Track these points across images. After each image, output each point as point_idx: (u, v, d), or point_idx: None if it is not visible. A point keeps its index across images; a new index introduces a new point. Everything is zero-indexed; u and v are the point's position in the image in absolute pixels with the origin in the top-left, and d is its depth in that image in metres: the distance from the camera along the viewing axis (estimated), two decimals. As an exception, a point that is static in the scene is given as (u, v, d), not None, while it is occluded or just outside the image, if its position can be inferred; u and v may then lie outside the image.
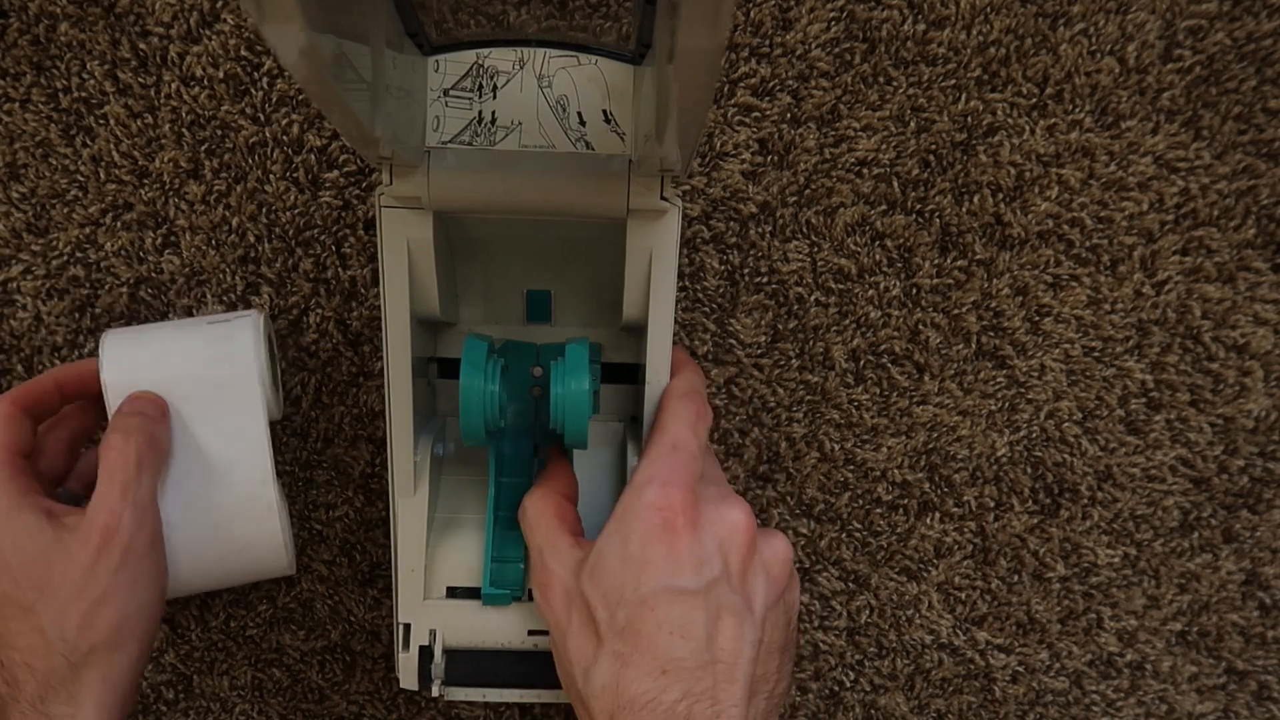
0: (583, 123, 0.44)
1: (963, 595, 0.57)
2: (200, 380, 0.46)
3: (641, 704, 0.37)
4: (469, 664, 0.48)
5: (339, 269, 0.53)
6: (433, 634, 0.47)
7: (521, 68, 0.43)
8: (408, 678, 0.48)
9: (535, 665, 0.48)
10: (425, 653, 0.47)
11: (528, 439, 0.50)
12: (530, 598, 0.48)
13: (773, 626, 0.42)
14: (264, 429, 0.46)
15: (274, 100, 0.51)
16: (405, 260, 0.44)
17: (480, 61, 0.43)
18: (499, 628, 0.48)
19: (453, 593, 0.48)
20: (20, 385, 0.46)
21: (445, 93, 0.43)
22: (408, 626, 0.48)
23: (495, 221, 0.47)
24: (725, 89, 0.52)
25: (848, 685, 0.57)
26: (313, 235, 0.53)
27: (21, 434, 0.45)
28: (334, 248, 0.53)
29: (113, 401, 0.46)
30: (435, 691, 0.47)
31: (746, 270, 0.53)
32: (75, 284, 0.53)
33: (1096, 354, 0.55)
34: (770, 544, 0.42)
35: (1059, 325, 0.54)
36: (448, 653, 0.48)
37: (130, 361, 0.46)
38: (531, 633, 0.48)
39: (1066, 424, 0.55)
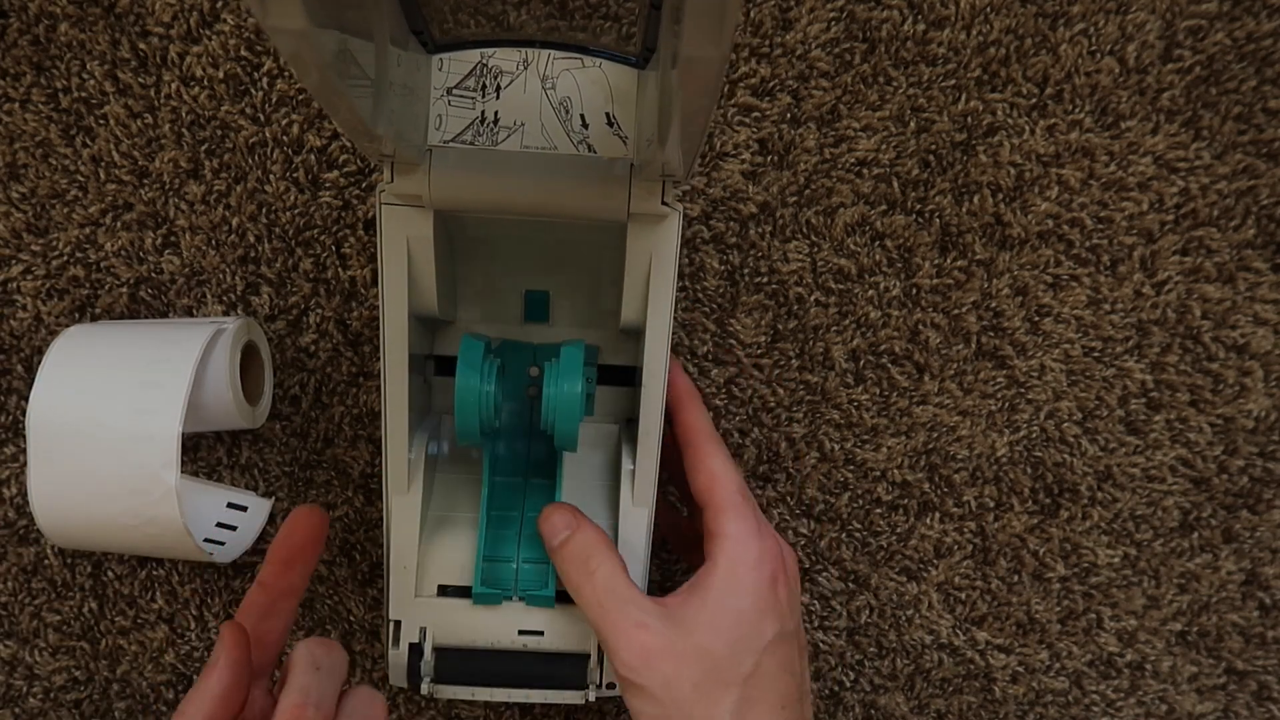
0: (585, 125, 0.44)
1: (963, 595, 0.57)
2: (134, 375, 0.47)
3: None
4: (458, 662, 0.48)
5: (339, 269, 0.53)
6: (423, 632, 0.47)
7: (525, 68, 0.43)
8: (397, 675, 0.48)
9: (525, 664, 0.48)
10: (415, 650, 0.47)
11: (523, 439, 0.50)
12: (522, 599, 0.48)
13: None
14: (178, 421, 0.46)
15: (274, 100, 0.51)
16: (404, 258, 0.44)
17: (484, 61, 0.43)
18: (489, 627, 0.48)
19: (444, 591, 0.48)
20: (236, 622, 0.40)
21: (448, 91, 0.43)
22: (398, 624, 0.48)
23: (495, 221, 0.47)
24: (725, 89, 0.52)
25: (848, 685, 0.57)
26: (313, 235, 0.52)
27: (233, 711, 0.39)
28: (334, 248, 0.53)
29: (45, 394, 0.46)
30: (425, 689, 0.47)
31: (746, 270, 0.53)
32: (75, 284, 0.53)
33: (1096, 354, 0.55)
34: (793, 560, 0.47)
35: (1059, 325, 0.54)
36: (437, 651, 0.48)
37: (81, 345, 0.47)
38: (521, 632, 0.48)
39: (1066, 424, 0.55)
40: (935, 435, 0.55)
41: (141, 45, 0.51)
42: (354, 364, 0.54)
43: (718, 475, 0.45)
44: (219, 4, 0.51)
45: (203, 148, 0.52)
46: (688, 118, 0.29)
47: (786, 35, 0.51)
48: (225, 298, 0.53)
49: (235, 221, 0.52)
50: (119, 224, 0.52)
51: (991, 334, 0.54)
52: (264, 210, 0.52)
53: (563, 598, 0.48)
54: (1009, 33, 0.52)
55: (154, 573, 0.55)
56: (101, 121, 0.52)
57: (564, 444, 0.44)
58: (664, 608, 0.42)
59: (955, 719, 0.58)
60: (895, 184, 0.53)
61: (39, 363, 0.47)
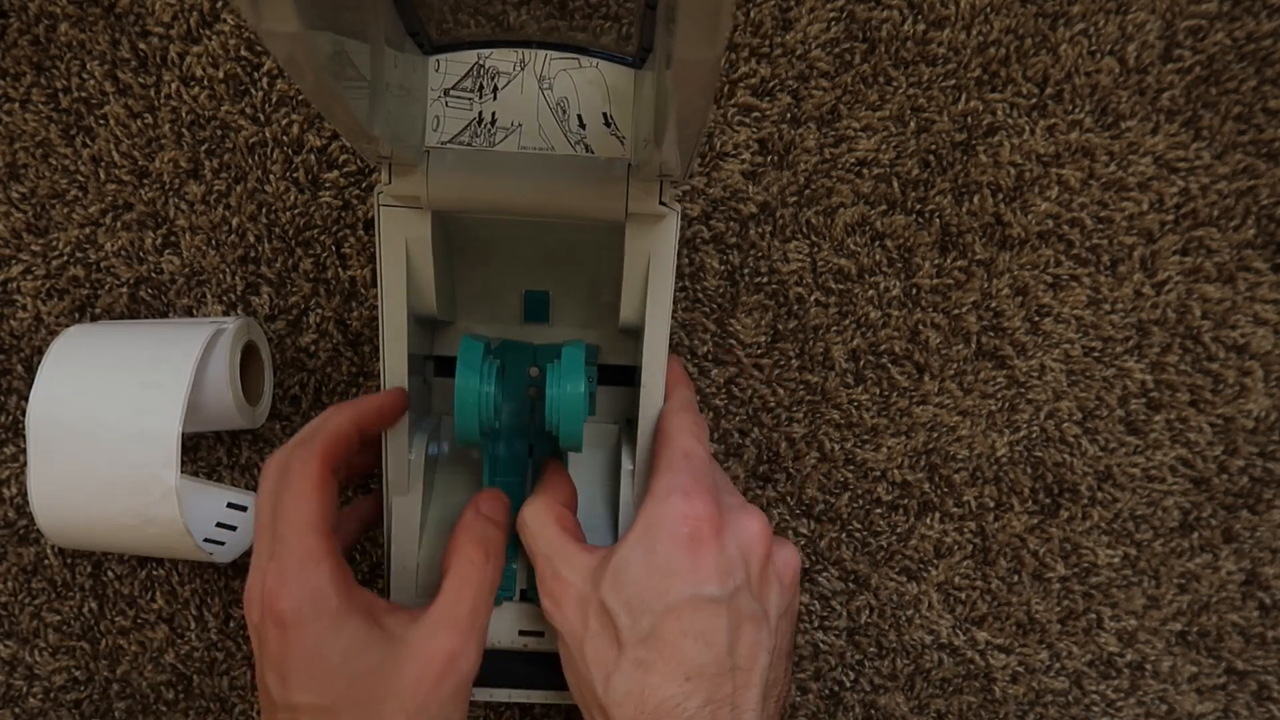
0: (583, 125, 0.44)
1: (963, 595, 0.57)
2: (134, 375, 0.47)
3: (667, 710, 0.38)
4: None
5: (339, 269, 0.53)
6: None
7: (522, 69, 0.43)
8: None
9: (526, 665, 0.48)
10: None
11: (522, 439, 0.50)
12: (523, 598, 0.48)
13: (783, 634, 0.42)
14: (178, 420, 0.46)
15: (274, 100, 0.51)
16: (403, 259, 0.44)
17: (481, 62, 0.43)
18: (490, 627, 0.48)
19: None
20: (321, 432, 0.40)
21: (445, 93, 0.43)
22: None
23: (494, 222, 0.47)
24: (725, 89, 0.52)
25: (848, 685, 0.57)
26: (313, 235, 0.53)
27: (333, 503, 0.40)
28: (334, 248, 0.53)
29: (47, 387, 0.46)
30: None
31: (746, 270, 0.53)
32: (75, 284, 0.53)
33: (1096, 354, 0.55)
34: (783, 554, 0.43)
35: (1059, 325, 0.54)
36: None
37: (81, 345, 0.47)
38: (522, 633, 0.48)
39: (1066, 424, 0.55)
40: (935, 435, 0.55)
41: (141, 45, 0.51)
42: (354, 364, 0.54)
43: (667, 438, 0.43)
44: (219, 4, 0.51)
45: (203, 148, 0.52)
46: (684, 118, 0.29)
47: (786, 35, 0.51)
48: (225, 298, 0.53)
49: (235, 221, 0.52)
50: (119, 224, 0.52)
51: (991, 334, 0.54)
52: (264, 210, 0.52)
53: None
54: (1009, 33, 0.52)
55: (154, 573, 0.55)
56: (101, 121, 0.52)
57: (569, 444, 0.44)
58: (590, 559, 0.41)
59: (955, 719, 0.58)
60: (895, 184, 0.53)
61: (39, 363, 0.47)
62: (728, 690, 0.38)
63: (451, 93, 0.43)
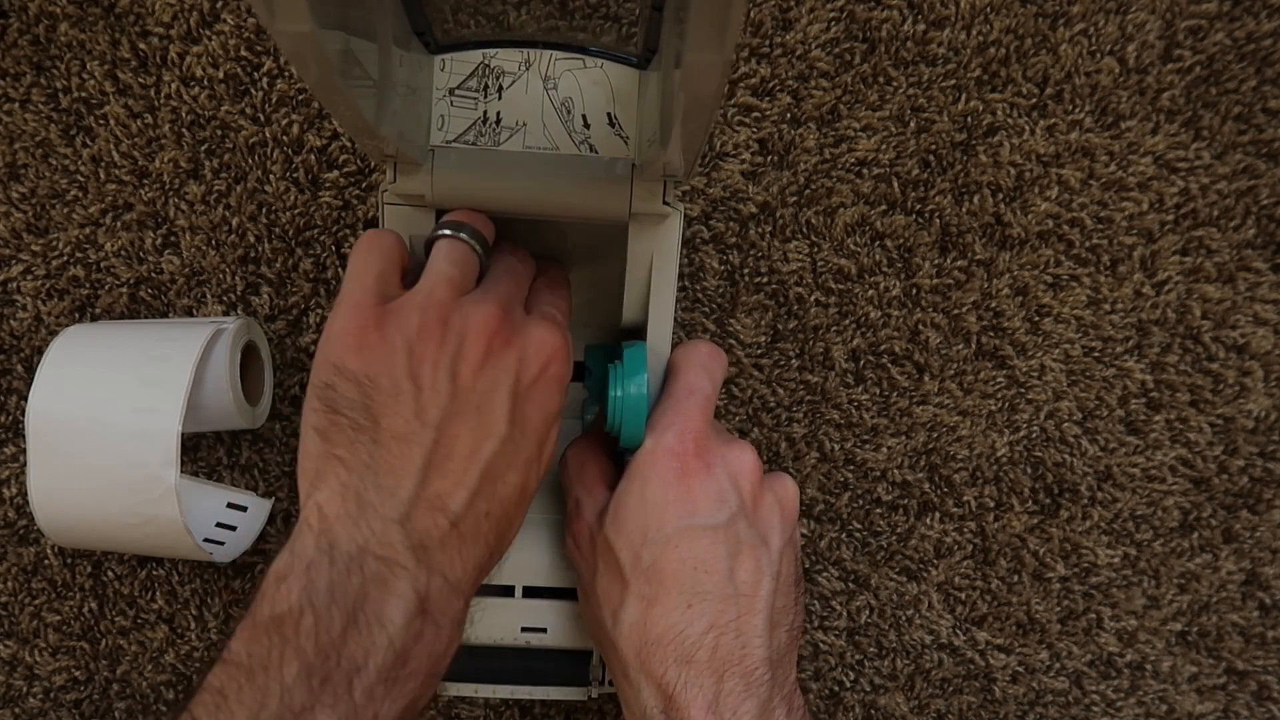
0: (587, 125, 0.44)
1: (963, 595, 0.57)
2: (134, 374, 0.47)
3: (670, 638, 0.39)
4: (462, 659, 0.48)
5: (339, 269, 0.53)
6: None
7: (527, 69, 0.43)
8: None
9: (528, 662, 0.48)
10: None
11: None
12: (524, 595, 0.48)
13: (787, 561, 0.43)
14: (178, 420, 0.46)
15: (274, 100, 0.51)
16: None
17: (486, 62, 0.43)
18: (492, 624, 0.48)
19: None
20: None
21: (451, 92, 0.43)
22: None
23: (498, 222, 0.47)
24: (725, 89, 0.52)
25: (848, 685, 0.57)
26: (313, 235, 0.52)
27: (393, 268, 0.40)
28: (334, 248, 0.53)
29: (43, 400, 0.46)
30: None
31: (746, 270, 0.53)
32: (75, 284, 0.53)
33: (1096, 354, 0.55)
34: (780, 482, 0.44)
35: (1059, 325, 0.54)
36: None
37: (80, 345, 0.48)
38: (524, 629, 0.48)
39: (1066, 424, 0.55)
40: (935, 435, 0.55)
41: (141, 45, 0.51)
42: (354, 364, 0.54)
43: (677, 370, 0.44)
44: (219, 4, 0.51)
45: (203, 148, 0.52)
46: (690, 119, 0.29)
47: (786, 35, 0.52)
48: (225, 298, 0.53)
49: (235, 221, 0.52)
50: (119, 224, 0.52)
51: (991, 334, 0.54)
52: (264, 210, 0.52)
53: (566, 595, 0.48)
54: (1009, 33, 0.52)
55: (154, 573, 0.55)
56: (101, 121, 0.51)
57: (630, 443, 0.44)
58: (605, 499, 0.43)
59: (955, 719, 0.58)
60: (895, 184, 0.53)
61: (39, 363, 0.47)
62: (731, 616, 0.39)
63: (457, 92, 0.43)
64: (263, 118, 0.51)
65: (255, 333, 0.52)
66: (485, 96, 0.43)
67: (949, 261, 0.54)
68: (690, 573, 0.39)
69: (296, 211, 0.52)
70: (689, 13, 0.23)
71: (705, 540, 0.40)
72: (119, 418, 0.46)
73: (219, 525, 0.53)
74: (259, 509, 0.54)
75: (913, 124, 0.52)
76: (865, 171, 0.53)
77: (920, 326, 0.54)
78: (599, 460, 0.46)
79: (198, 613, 0.56)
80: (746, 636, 0.39)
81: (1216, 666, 0.58)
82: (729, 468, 0.42)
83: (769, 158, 0.53)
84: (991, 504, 0.56)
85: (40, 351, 0.53)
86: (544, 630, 0.48)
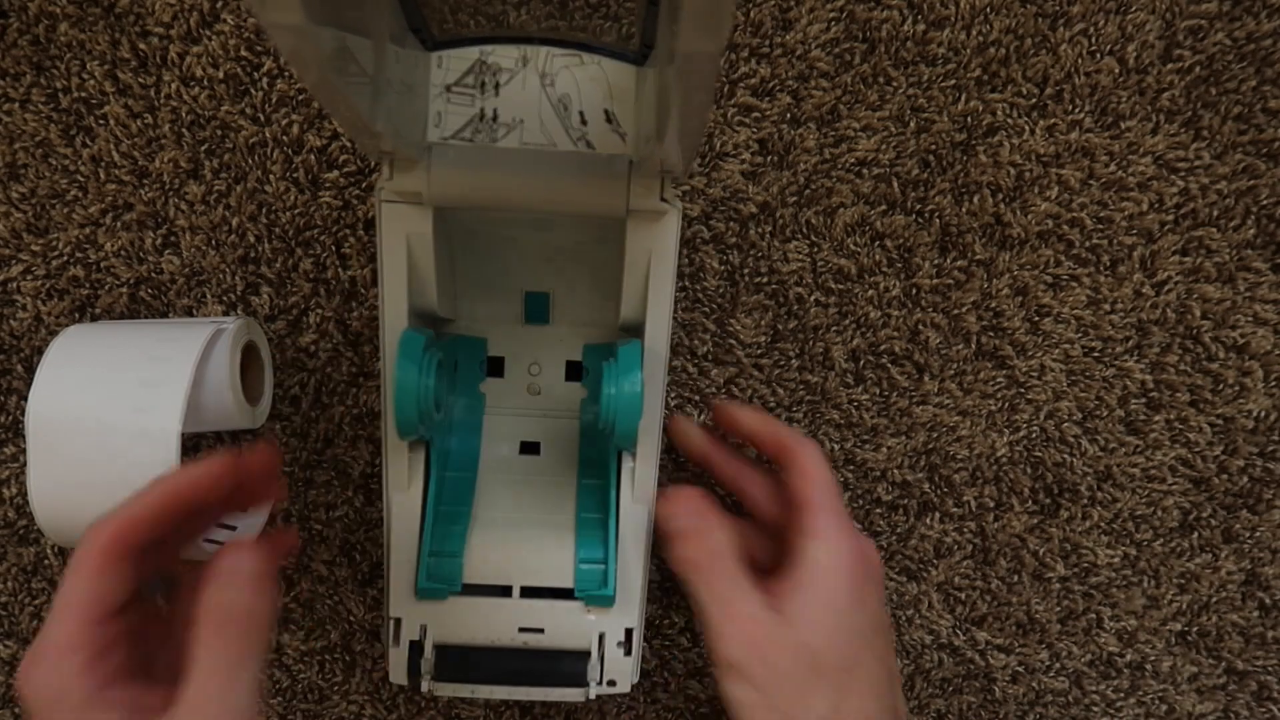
0: (584, 122, 0.44)
1: (963, 595, 0.57)
2: (134, 374, 0.46)
3: None
4: (459, 660, 0.48)
5: (339, 269, 0.53)
6: (423, 629, 0.47)
7: (524, 65, 0.43)
8: (397, 672, 0.48)
9: (524, 662, 0.48)
10: (415, 648, 0.47)
11: (476, 435, 0.50)
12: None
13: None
14: (178, 420, 0.46)
15: (274, 100, 0.51)
16: (404, 255, 0.44)
17: (483, 58, 0.43)
18: (489, 624, 0.48)
19: None
20: (124, 509, 0.39)
21: (447, 89, 0.43)
22: (398, 621, 0.48)
23: (495, 220, 0.47)
24: (725, 89, 0.52)
25: (848, 686, 0.57)
26: (313, 235, 0.53)
27: (111, 589, 0.37)
28: (334, 248, 0.53)
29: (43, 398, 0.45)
30: (425, 687, 0.47)
31: (746, 270, 0.53)
32: (75, 284, 0.53)
33: (1096, 354, 0.55)
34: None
35: (1059, 325, 0.54)
36: (437, 648, 0.48)
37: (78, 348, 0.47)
38: (522, 630, 0.48)
39: (1066, 424, 0.55)
40: (935, 435, 0.55)
41: (141, 45, 0.51)
42: (354, 364, 0.54)
43: (810, 473, 0.46)
44: (219, 4, 0.51)
45: (203, 148, 0.52)
46: (686, 113, 0.29)
47: (786, 35, 0.52)
48: (225, 298, 0.53)
49: (235, 221, 0.52)
50: (119, 224, 0.52)
51: (991, 334, 0.54)
52: (264, 210, 0.52)
53: (563, 595, 0.48)
54: (1009, 33, 0.52)
55: (153, 573, 0.55)
56: (101, 121, 0.52)
57: (624, 443, 0.44)
58: (770, 598, 0.44)
59: (955, 719, 0.58)
60: (895, 184, 0.53)
61: (39, 363, 0.47)
62: (898, 693, 0.46)
63: (454, 89, 0.43)
64: (263, 118, 0.52)
65: (255, 333, 0.52)
66: (482, 93, 0.43)
67: (949, 261, 0.54)
68: (878, 667, 0.44)
69: (296, 211, 0.52)
70: (683, 5, 0.23)
71: (881, 637, 0.45)
72: (119, 418, 0.46)
73: (219, 525, 0.53)
74: (259, 509, 0.54)
75: (913, 124, 0.52)
76: (865, 171, 0.53)
77: (920, 326, 0.54)
78: (735, 558, 0.45)
79: (197, 613, 0.56)
80: (900, 715, 0.46)
81: (1216, 666, 0.58)
82: (875, 565, 0.46)
83: (769, 158, 0.53)
84: (991, 504, 0.56)
85: (40, 351, 0.53)
86: (541, 631, 0.48)
